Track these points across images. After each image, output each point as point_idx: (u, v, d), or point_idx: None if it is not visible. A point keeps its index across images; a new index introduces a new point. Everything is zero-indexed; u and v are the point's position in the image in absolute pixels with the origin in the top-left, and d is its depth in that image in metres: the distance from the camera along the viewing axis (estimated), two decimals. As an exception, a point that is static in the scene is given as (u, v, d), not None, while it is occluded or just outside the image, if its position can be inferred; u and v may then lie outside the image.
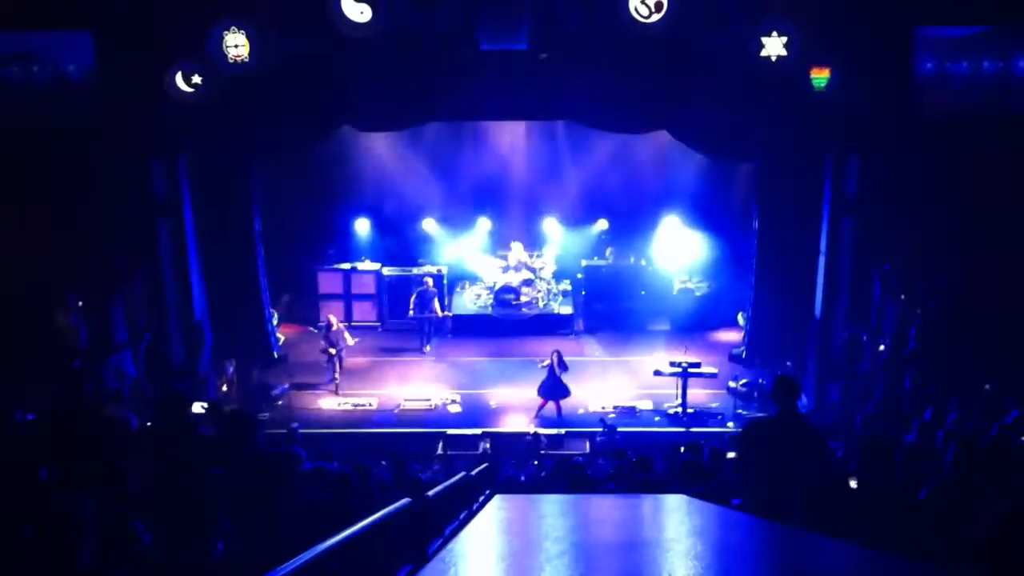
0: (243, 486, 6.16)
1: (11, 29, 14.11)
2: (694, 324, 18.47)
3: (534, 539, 5.76)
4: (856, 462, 7.86)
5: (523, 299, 18.83)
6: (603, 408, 15.09)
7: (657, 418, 14.97)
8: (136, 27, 13.39)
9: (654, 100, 14.43)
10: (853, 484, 6.99)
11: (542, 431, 14.25)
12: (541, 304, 19.04)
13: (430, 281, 17.93)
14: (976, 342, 12.71)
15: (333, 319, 16.44)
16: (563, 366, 14.84)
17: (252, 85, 13.72)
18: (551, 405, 14.95)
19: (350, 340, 16.36)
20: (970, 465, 6.28)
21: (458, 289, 19.72)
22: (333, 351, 15.93)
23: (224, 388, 15.48)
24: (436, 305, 17.61)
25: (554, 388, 14.89)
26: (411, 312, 17.59)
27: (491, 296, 19.02)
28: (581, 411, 15.13)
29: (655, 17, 12.97)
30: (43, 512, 3.51)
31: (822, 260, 15.01)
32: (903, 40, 14.16)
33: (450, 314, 17.83)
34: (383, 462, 11.07)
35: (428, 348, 17.71)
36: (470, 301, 19.41)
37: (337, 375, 16.00)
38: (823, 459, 6.63)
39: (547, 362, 14.87)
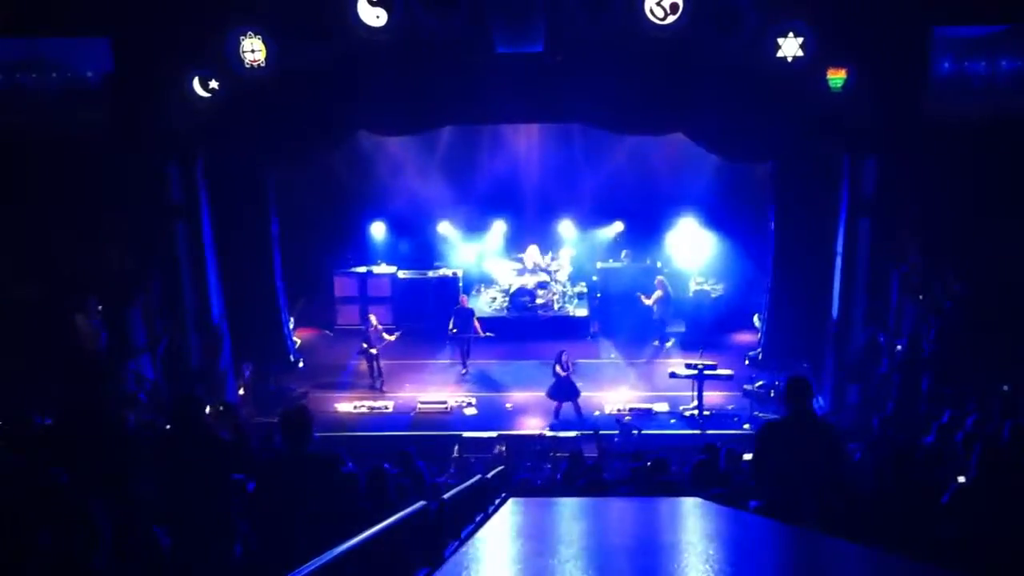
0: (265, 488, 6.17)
1: (30, 36, 14.22)
2: (710, 326, 18.41)
3: (548, 542, 5.76)
4: (874, 464, 7.81)
5: (539, 301, 18.82)
6: (619, 410, 15.08)
7: (673, 420, 14.95)
8: (154, 33, 13.46)
9: (669, 101, 14.36)
10: (870, 487, 6.95)
11: (550, 433, 14.25)
12: (557, 306, 19.04)
13: (465, 299, 17.81)
14: (994, 343, 12.60)
15: (373, 318, 16.74)
16: (565, 367, 14.91)
17: (269, 90, 13.77)
18: (568, 405, 14.96)
19: (388, 337, 16.48)
20: (995, 468, 6.21)
21: (473, 292, 19.74)
22: (374, 350, 16.18)
23: (241, 391, 15.55)
24: (476, 324, 17.12)
25: (564, 389, 14.94)
26: (452, 331, 17.02)
27: (507, 299, 19.02)
28: (597, 413, 15.14)
29: (671, 19, 12.92)
30: (60, 516, 3.54)
31: (839, 261, 14.90)
32: (920, 40, 14.06)
33: (492, 334, 17.26)
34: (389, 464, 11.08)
35: (466, 370, 16.97)
36: (486, 304, 19.42)
37: (377, 375, 16.35)
38: (839, 460, 6.57)
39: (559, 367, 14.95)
